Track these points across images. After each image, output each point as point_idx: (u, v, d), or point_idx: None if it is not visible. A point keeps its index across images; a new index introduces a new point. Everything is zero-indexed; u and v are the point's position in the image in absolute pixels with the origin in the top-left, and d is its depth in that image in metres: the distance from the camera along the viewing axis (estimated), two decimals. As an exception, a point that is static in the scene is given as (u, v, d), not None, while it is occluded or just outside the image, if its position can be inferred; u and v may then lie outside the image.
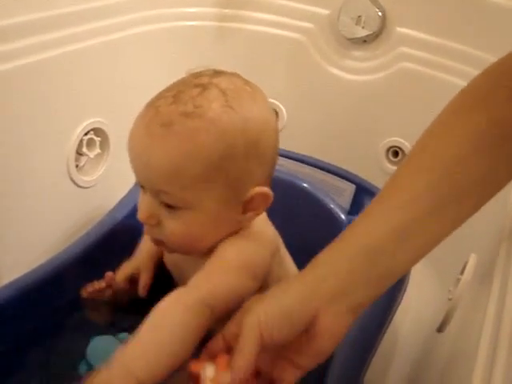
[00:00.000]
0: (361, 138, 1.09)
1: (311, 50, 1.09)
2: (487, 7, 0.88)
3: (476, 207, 0.47)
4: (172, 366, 0.49)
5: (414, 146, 0.49)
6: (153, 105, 0.57)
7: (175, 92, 0.56)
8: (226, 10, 1.13)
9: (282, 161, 1.04)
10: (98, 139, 0.96)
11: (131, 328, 0.68)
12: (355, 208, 0.96)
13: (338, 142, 1.12)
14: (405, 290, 0.73)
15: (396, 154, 1.08)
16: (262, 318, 0.45)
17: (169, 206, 0.57)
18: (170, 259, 0.70)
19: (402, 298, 0.72)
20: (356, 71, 1.06)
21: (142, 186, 0.59)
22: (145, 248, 0.72)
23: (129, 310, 0.73)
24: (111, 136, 0.97)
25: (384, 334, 0.67)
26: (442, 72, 0.94)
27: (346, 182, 1.00)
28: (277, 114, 1.18)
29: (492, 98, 0.46)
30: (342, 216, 0.84)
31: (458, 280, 0.68)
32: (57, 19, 0.83)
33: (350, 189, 0.99)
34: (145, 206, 0.59)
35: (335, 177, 1.01)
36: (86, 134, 0.93)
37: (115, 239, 0.78)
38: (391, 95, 1.04)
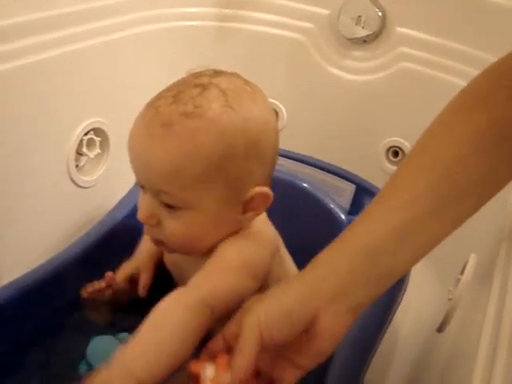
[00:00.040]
0: (361, 138, 1.09)
1: (311, 50, 1.09)
2: (487, 7, 0.88)
3: (476, 207, 0.47)
4: (172, 366, 0.49)
5: (414, 146, 0.49)
6: (153, 105, 0.57)
7: (175, 92, 0.56)
8: (226, 10, 1.13)
9: (281, 161, 1.04)
10: (98, 139, 0.96)
11: (131, 328, 0.68)
12: (355, 208, 0.96)
13: (338, 142, 1.12)
14: (405, 290, 0.73)
15: (396, 154, 1.08)
16: (262, 318, 0.45)
17: (169, 206, 0.57)
18: (170, 259, 0.70)
19: (402, 298, 0.72)
20: (356, 71, 1.06)
21: (142, 186, 0.59)
22: (145, 248, 0.72)
23: (129, 310, 0.73)
24: (111, 136, 0.97)
25: (384, 333, 0.67)
26: (441, 72, 0.94)
27: (346, 182, 1.00)
28: (277, 113, 1.18)
29: (492, 98, 0.46)
30: (342, 216, 0.84)
31: (458, 280, 0.68)
32: (57, 19, 0.83)
33: (349, 189, 0.99)
34: (145, 206, 0.59)
35: (335, 177, 1.01)
36: (86, 134, 0.93)
37: (115, 239, 0.78)
38: (391, 95, 1.04)
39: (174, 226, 0.58)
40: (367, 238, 0.46)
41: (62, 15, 0.84)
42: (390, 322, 0.69)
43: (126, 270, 0.71)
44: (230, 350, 0.48)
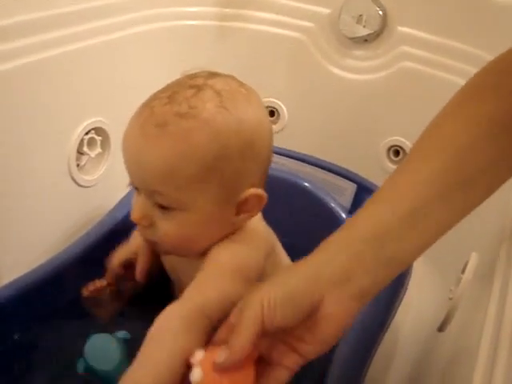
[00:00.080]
0: (362, 137, 1.09)
1: (312, 50, 1.09)
2: (488, 6, 0.88)
3: (484, 195, 0.46)
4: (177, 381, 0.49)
5: (423, 133, 0.48)
6: (147, 105, 0.57)
7: (170, 93, 0.56)
8: (227, 10, 1.13)
9: (282, 160, 1.04)
10: (98, 138, 0.96)
11: (131, 326, 0.69)
12: (356, 207, 0.96)
13: (339, 141, 1.12)
14: (406, 289, 0.73)
15: (397, 153, 1.08)
16: (265, 299, 0.44)
17: (163, 207, 0.57)
18: (167, 260, 0.70)
19: (403, 297, 0.72)
20: (357, 70, 1.06)
21: (136, 188, 0.59)
22: None
23: (129, 308, 0.73)
24: (112, 135, 0.97)
25: (385, 333, 0.67)
26: (443, 71, 0.94)
27: (346, 181, 1.00)
28: (278, 113, 1.18)
29: (502, 87, 0.46)
30: (343, 215, 0.84)
31: (459, 279, 0.68)
32: (57, 18, 0.83)
33: (350, 188, 0.99)
34: (138, 207, 0.59)
35: (336, 176, 1.01)
36: (86, 134, 0.94)
37: (115, 239, 0.77)
38: (392, 94, 1.03)
39: (167, 227, 0.58)
40: (374, 222, 0.45)
41: (63, 14, 0.84)
42: (391, 322, 0.69)
43: (121, 254, 0.71)
44: None
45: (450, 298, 0.68)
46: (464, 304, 0.66)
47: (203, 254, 0.60)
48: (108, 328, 0.68)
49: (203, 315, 0.51)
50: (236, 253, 0.60)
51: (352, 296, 0.45)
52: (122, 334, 0.66)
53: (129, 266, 0.70)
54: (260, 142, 0.58)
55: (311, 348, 0.46)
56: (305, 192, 0.88)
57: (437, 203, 0.44)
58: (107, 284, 0.70)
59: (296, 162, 1.04)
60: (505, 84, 0.46)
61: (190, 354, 0.46)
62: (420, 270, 0.79)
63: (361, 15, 1.00)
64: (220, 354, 0.44)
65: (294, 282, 0.45)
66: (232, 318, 0.47)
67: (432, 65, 0.96)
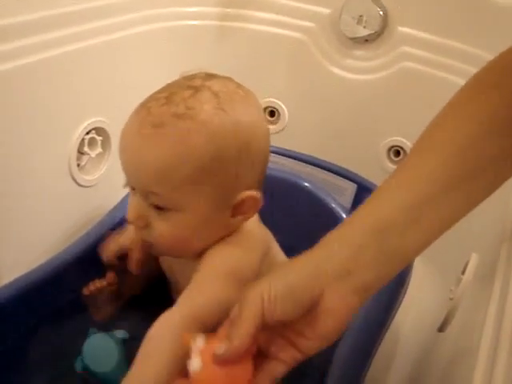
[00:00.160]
0: (362, 138, 1.09)
1: (313, 50, 1.09)
2: (488, 6, 0.88)
3: (486, 193, 0.45)
4: None
5: (428, 127, 0.48)
6: (145, 105, 0.57)
7: (167, 93, 0.56)
8: (228, 10, 1.13)
9: (283, 160, 1.04)
10: (99, 138, 0.96)
11: (131, 326, 0.69)
12: (356, 207, 0.96)
13: (340, 142, 1.12)
14: (406, 290, 0.73)
15: (397, 153, 1.08)
16: (265, 292, 0.44)
17: (158, 208, 0.57)
18: (164, 261, 0.70)
19: (403, 298, 0.72)
20: (357, 70, 1.06)
21: (132, 188, 0.59)
22: None
23: (129, 308, 0.73)
24: (113, 135, 0.97)
25: (385, 333, 0.67)
26: (443, 71, 0.94)
27: (347, 181, 1.00)
28: (278, 113, 1.18)
29: (505, 81, 0.45)
30: (344, 215, 0.84)
31: (460, 280, 0.68)
32: (58, 18, 0.83)
33: (351, 188, 0.99)
34: (133, 208, 0.59)
35: (336, 176, 1.01)
36: (87, 133, 0.94)
37: (116, 239, 0.78)
38: (393, 95, 1.04)
39: (162, 228, 0.58)
40: (377, 216, 0.45)
41: (64, 14, 0.84)
42: (391, 322, 0.69)
43: (114, 245, 0.70)
44: None
45: (451, 299, 0.68)
46: (464, 304, 0.66)
47: (199, 255, 0.60)
48: (108, 327, 0.67)
49: (197, 321, 0.51)
50: (230, 256, 0.59)
51: (353, 290, 0.44)
52: (120, 333, 0.66)
53: (124, 257, 0.70)
54: (257, 145, 0.58)
55: (311, 343, 0.45)
56: (305, 192, 0.88)
57: (439, 199, 0.44)
58: (107, 284, 0.70)
59: (296, 162, 1.04)
60: (506, 82, 0.45)
61: (184, 362, 0.45)
62: (420, 271, 0.80)
63: (361, 15, 1.00)
64: (220, 346, 0.43)
65: (294, 276, 0.45)
66: (232, 315, 0.46)
67: (432, 65, 0.96)
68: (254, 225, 0.64)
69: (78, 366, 0.64)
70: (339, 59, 1.07)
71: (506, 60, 0.47)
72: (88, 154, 0.95)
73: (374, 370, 0.63)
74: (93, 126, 0.94)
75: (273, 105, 1.18)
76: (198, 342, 0.45)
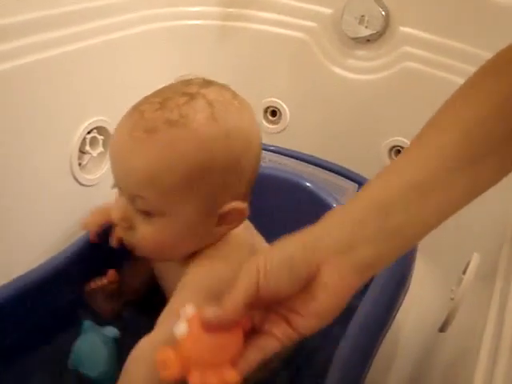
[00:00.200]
0: (364, 137, 1.09)
1: (314, 50, 1.09)
2: (490, 7, 0.88)
3: (494, 176, 0.44)
4: None
5: (440, 108, 0.47)
6: (138, 108, 0.56)
7: (162, 98, 0.56)
8: (230, 9, 1.13)
9: (284, 160, 1.04)
10: (100, 138, 0.96)
11: (131, 325, 0.69)
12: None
13: (341, 141, 1.12)
14: (407, 289, 0.73)
15: (399, 153, 1.08)
16: (261, 264, 0.43)
17: (143, 212, 0.57)
18: (155, 266, 0.70)
19: (404, 298, 0.72)
20: (359, 70, 1.06)
21: (120, 188, 0.59)
22: None
23: (130, 307, 0.74)
24: (114, 135, 0.97)
25: (386, 333, 0.67)
26: (445, 71, 0.94)
27: (348, 181, 1.00)
28: (280, 113, 1.18)
29: None
30: (345, 215, 0.84)
31: (461, 279, 0.68)
32: (59, 18, 0.83)
33: (352, 188, 0.99)
34: (119, 208, 0.59)
35: (338, 176, 1.01)
36: (89, 133, 0.94)
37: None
38: (394, 94, 1.03)
39: (145, 232, 0.58)
40: (380, 193, 0.44)
41: (65, 14, 0.84)
42: (392, 322, 0.69)
43: (100, 218, 0.70)
44: None
45: (452, 299, 0.68)
46: (465, 304, 0.66)
47: (185, 261, 0.61)
48: (101, 321, 0.67)
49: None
50: (212, 274, 0.58)
51: (353, 266, 0.42)
52: (111, 331, 0.65)
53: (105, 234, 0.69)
54: (247, 158, 0.58)
55: (305, 321, 0.44)
56: (306, 192, 0.88)
57: (445, 178, 0.42)
58: (108, 282, 0.70)
59: (298, 161, 1.04)
60: None
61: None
62: (421, 270, 0.80)
63: (363, 15, 1.00)
64: (209, 310, 0.42)
65: (291, 248, 0.44)
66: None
67: (434, 65, 0.96)
68: (240, 232, 0.63)
69: (70, 364, 0.64)
70: (341, 59, 1.07)
71: None
72: (89, 154, 0.95)
73: (375, 371, 0.63)
74: (94, 126, 0.94)
75: (274, 104, 1.18)
76: (188, 310, 0.44)
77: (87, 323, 0.66)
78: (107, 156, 0.98)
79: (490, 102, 0.43)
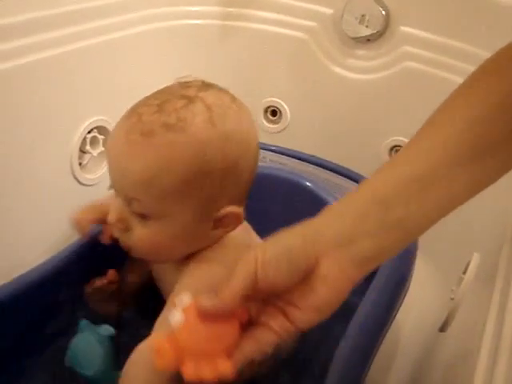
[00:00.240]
0: (364, 137, 1.09)
1: (315, 49, 1.08)
2: (491, 6, 0.88)
3: (496, 172, 0.44)
4: None
5: (440, 105, 0.47)
6: (136, 111, 0.56)
7: (160, 101, 0.56)
8: (230, 9, 1.13)
9: (285, 160, 1.04)
10: (101, 137, 0.96)
11: (131, 325, 0.69)
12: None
13: (341, 141, 1.12)
14: (407, 289, 0.73)
15: (399, 153, 1.08)
16: (260, 255, 0.43)
17: (139, 215, 0.57)
18: (153, 266, 0.70)
19: (404, 298, 0.72)
20: (359, 70, 1.06)
21: (116, 190, 0.59)
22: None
23: (130, 304, 0.74)
24: (114, 134, 0.97)
25: (386, 333, 0.67)
26: (445, 71, 0.94)
27: (349, 180, 1.00)
28: (280, 112, 1.18)
29: None
30: (345, 215, 0.84)
31: (461, 279, 0.68)
32: (59, 18, 0.83)
33: (353, 188, 0.99)
34: (115, 210, 0.59)
35: (338, 176, 1.01)
36: (89, 132, 0.94)
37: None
38: (394, 94, 1.03)
39: (142, 234, 0.58)
40: (381, 186, 0.43)
41: (65, 13, 0.84)
42: (392, 322, 0.69)
43: (92, 215, 0.70)
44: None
45: (452, 299, 0.68)
46: (465, 304, 0.66)
47: (182, 263, 0.61)
48: (97, 320, 0.67)
49: None
50: (210, 274, 0.58)
51: (352, 260, 0.42)
52: (106, 330, 0.65)
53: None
54: (244, 163, 0.58)
55: (302, 314, 0.43)
56: (307, 192, 0.88)
57: (445, 173, 0.42)
58: (108, 282, 0.70)
59: (298, 161, 1.04)
60: None
61: None
62: (421, 270, 0.80)
63: (363, 15, 1.00)
64: (205, 299, 0.42)
65: (291, 239, 0.44)
66: None
67: (434, 65, 0.96)
68: (236, 232, 0.63)
69: (67, 361, 0.65)
70: (341, 59, 1.07)
71: None
72: (90, 153, 0.95)
73: (375, 371, 0.63)
74: (95, 125, 0.94)
75: (275, 104, 1.18)
76: (184, 299, 0.44)
77: (83, 322, 0.66)
78: (107, 156, 0.98)
79: (491, 99, 0.43)
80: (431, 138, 0.44)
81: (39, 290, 0.69)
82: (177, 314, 0.43)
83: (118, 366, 0.55)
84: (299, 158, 1.03)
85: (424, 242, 0.74)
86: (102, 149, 0.96)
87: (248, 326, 0.44)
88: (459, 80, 0.46)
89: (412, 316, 0.88)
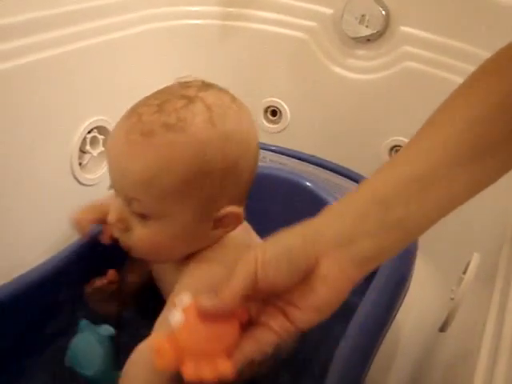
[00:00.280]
0: (364, 137, 1.09)
1: (315, 49, 1.08)
2: (491, 6, 0.88)
3: (497, 172, 0.43)
4: None
5: (440, 105, 0.46)
6: (136, 111, 0.56)
7: (160, 101, 0.56)
8: (230, 9, 1.13)
9: (285, 160, 1.04)
10: (101, 137, 0.96)
11: (131, 324, 0.69)
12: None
13: (342, 141, 1.12)
14: (407, 289, 0.73)
15: (399, 153, 1.08)
16: (260, 255, 0.42)
17: (139, 215, 0.57)
18: (153, 266, 0.70)
19: (404, 298, 0.72)
20: (359, 70, 1.06)
21: (116, 190, 0.59)
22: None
23: (130, 304, 0.74)
24: (114, 134, 0.97)
25: (386, 333, 0.67)
26: (445, 71, 0.94)
27: (349, 180, 1.00)
28: (280, 112, 1.18)
29: None
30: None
31: (461, 279, 0.68)
32: (59, 18, 0.83)
33: (353, 188, 0.99)
34: (115, 210, 0.59)
35: (338, 176, 1.01)
36: (89, 132, 0.94)
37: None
38: (394, 94, 1.03)
39: (142, 234, 0.58)
40: (381, 186, 0.43)
41: (65, 14, 0.84)
42: (392, 321, 0.69)
43: (92, 215, 0.70)
44: None
45: (452, 298, 0.68)
46: (465, 304, 0.66)
47: (182, 263, 0.60)
48: (97, 320, 0.67)
49: None
50: (210, 274, 0.58)
51: (352, 260, 0.42)
52: (106, 330, 0.65)
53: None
54: (244, 163, 0.58)
55: (302, 314, 0.43)
56: (307, 192, 0.88)
57: (445, 173, 0.42)
58: (108, 282, 0.70)
59: (298, 161, 1.04)
60: None
61: None
62: (422, 270, 0.80)
63: (363, 15, 1.00)
64: (206, 299, 0.42)
65: (291, 239, 0.44)
66: None
67: (434, 65, 0.96)
68: (236, 232, 0.63)
69: (67, 361, 0.65)
70: (341, 59, 1.07)
71: None
72: (90, 153, 0.95)
73: (375, 371, 0.63)
74: (95, 125, 0.94)
75: (275, 104, 1.18)
76: (184, 299, 0.44)
77: (83, 322, 0.66)
78: (107, 156, 0.98)
79: (491, 99, 0.43)
80: (431, 138, 0.44)
81: (39, 290, 0.69)
82: (177, 314, 0.43)
83: (118, 366, 0.55)
84: (299, 158, 1.03)
85: (424, 241, 0.74)
86: (102, 149, 0.96)
87: (248, 326, 0.44)
88: (459, 80, 0.46)
89: (412, 316, 0.88)
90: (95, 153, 0.95)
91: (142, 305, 0.75)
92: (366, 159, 1.06)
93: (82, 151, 0.94)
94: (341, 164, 1.03)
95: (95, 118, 0.93)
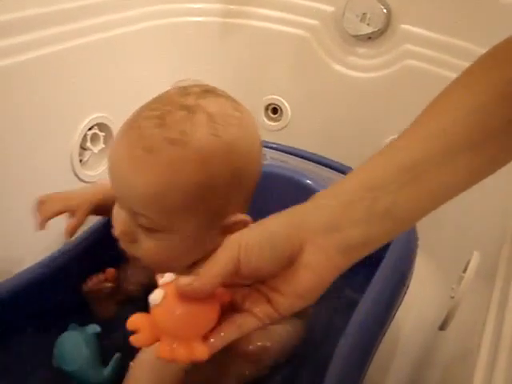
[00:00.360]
0: (365, 135, 1.09)
1: (316, 47, 1.08)
2: (492, 4, 0.88)
3: (491, 165, 0.43)
4: None
5: (439, 94, 0.46)
6: (136, 124, 0.55)
7: (160, 112, 0.54)
8: (231, 6, 1.13)
9: (285, 157, 1.04)
10: (102, 134, 0.96)
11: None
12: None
13: (342, 139, 1.11)
14: (407, 288, 0.73)
15: (400, 151, 1.08)
16: (243, 240, 0.42)
17: (146, 228, 0.56)
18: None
19: (404, 296, 0.72)
20: (360, 68, 1.06)
21: (121, 204, 0.58)
22: (90, 191, 0.71)
23: (129, 304, 0.73)
24: (115, 131, 0.97)
25: (386, 332, 0.67)
26: (446, 70, 0.94)
27: (349, 179, 0.99)
28: (281, 110, 1.18)
29: None
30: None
31: (461, 278, 0.68)
32: (59, 15, 0.83)
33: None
34: (120, 223, 0.58)
35: (339, 174, 1.01)
36: (90, 129, 0.94)
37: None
38: (396, 92, 1.03)
39: (149, 246, 0.57)
40: (371, 174, 0.43)
41: (65, 11, 0.84)
42: (392, 320, 0.69)
43: (58, 205, 0.69)
44: None
45: (452, 297, 0.68)
46: (465, 303, 0.66)
47: (193, 265, 0.60)
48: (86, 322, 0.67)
49: None
50: None
51: (338, 247, 0.41)
52: (91, 328, 0.66)
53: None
54: (248, 173, 0.58)
55: (285, 300, 0.42)
56: (307, 190, 0.87)
57: (439, 160, 0.41)
58: (105, 279, 0.70)
59: (299, 159, 1.03)
60: None
61: None
62: (422, 269, 0.79)
63: (365, 13, 1.00)
64: (186, 279, 0.41)
65: (275, 226, 0.43)
66: None
67: (435, 63, 0.96)
68: None
69: (54, 362, 0.65)
70: (342, 57, 1.07)
71: None
72: (90, 150, 0.95)
73: (375, 369, 0.63)
74: (95, 122, 0.94)
75: (276, 102, 1.18)
76: (166, 277, 0.44)
77: (72, 325, 0.67)
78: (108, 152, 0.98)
79: (491, 87, 0.42)
80: (429, 126, 0.43)
81: (39, 288, 0.69)
82: (157, 292, 0.43)
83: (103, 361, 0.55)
84: (300, 156, 1.03)
85: (424, 240, 0.74)
86: (103, 146, 0.96)
87: (231, 311, 0.44)
88: (460, 78, 0.46)
89: (412, 314, 0.88)
90: (96, 150, 0.95)
91: (142, 304, 0.75)
92: (366, 157, 1.06)
93: (83, 148, 0.94)
94: (342, 162, 1.03)
95: (96, 114, 0.93)
